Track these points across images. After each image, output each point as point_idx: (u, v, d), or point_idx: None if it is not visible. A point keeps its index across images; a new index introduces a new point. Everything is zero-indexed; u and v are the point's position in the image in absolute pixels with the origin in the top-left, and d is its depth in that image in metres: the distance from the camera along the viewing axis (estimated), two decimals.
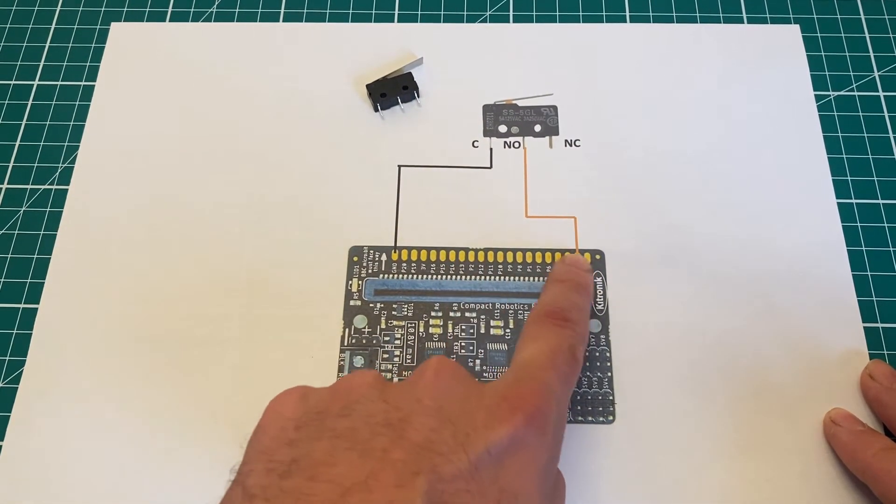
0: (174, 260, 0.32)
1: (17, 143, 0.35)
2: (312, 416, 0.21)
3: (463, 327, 0.31)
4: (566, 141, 0.34)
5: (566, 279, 0.28)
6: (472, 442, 0.20)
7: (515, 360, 0.24)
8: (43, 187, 0.34)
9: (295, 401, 0.22)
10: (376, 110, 0.35)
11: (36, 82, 0.37)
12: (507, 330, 0.30)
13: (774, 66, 0.36)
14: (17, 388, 0.30)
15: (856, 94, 0.36)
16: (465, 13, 0.38)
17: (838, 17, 0.38)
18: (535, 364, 0.23)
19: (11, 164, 0.35)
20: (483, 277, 0.31)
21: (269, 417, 0.22)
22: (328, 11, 0.38)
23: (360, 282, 0.31)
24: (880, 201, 0.33)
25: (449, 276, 0.31)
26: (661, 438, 0.28)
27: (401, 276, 0.31)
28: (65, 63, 0.37)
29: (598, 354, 0.30)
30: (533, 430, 0.21)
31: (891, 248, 0.32)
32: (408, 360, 0.30)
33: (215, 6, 0.38)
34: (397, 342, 0.30)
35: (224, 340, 0.30)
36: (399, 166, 0.34)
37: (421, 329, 0.30)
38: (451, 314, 0.31)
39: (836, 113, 0.35)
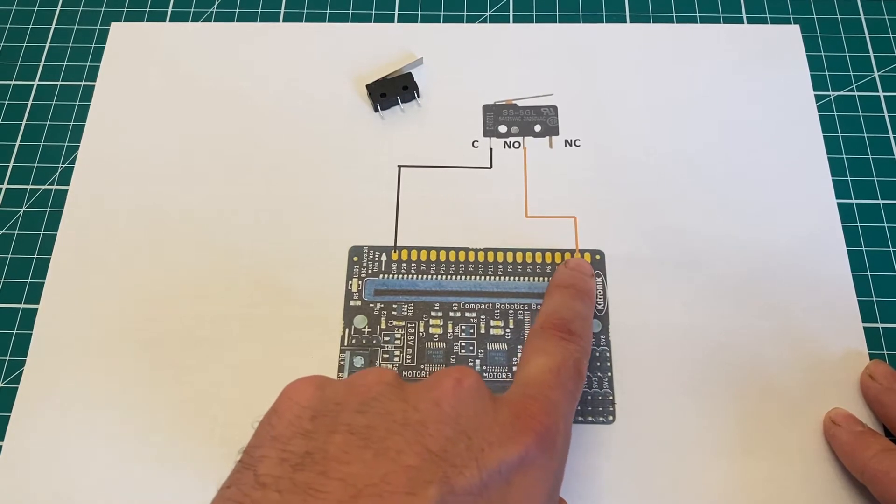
0: (174, 260, 0.32)
1: (17, 143, 0.35)
2: (330, 407, 0.21)
3: (463, 327, 0.31)
4: (566, 141, 0.34)
5: (569, 285, 0.28)
6: (486, 458, 0.20)
7: (521, 374, 0.24)
8: (43, 187, 0.34)
9: (312, 389, 0.22)
10: (376, 110, 0.35)
11: (36, 82, 0.37)
12: (507, 330, 0.30)
13: (774, 66, 0.36)
14: (17, 388, 0.30)
15: (856, 94, 0.36)
16: (465, 13, 0.38)
17: (838, 17, 0.38)
18: (542, 381, 0.23)
19: (11, 164, 0.35)
20: (483, 277, 0.31)
21: (285, 403, 0.21)
22: (328, 11, 0.38)
23: (360, 282, 0.31)
24: (880, 201, 0.33)
25: (449, 276, 0.31)
26: (661, 438, 0.28)
27: (401, 276, 0.31)
28: (65, 63, 0.37)
29: (598, 354, 0.30)
30: (542, 451, 0.21)
31: (891, 249, 0.32)
32: (408, 360, 0.30)
33: (215, 6, 0.38)
34: (397, 342, 0.30)
35: (224, 340, 0.30)
36: (399, 166, 0.34)
37: (421, 329, 0.30)
38: (451, 314, 0.31)
39: (836, 113, 0.35)
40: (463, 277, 0.31)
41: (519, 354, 0.30)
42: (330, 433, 0.20)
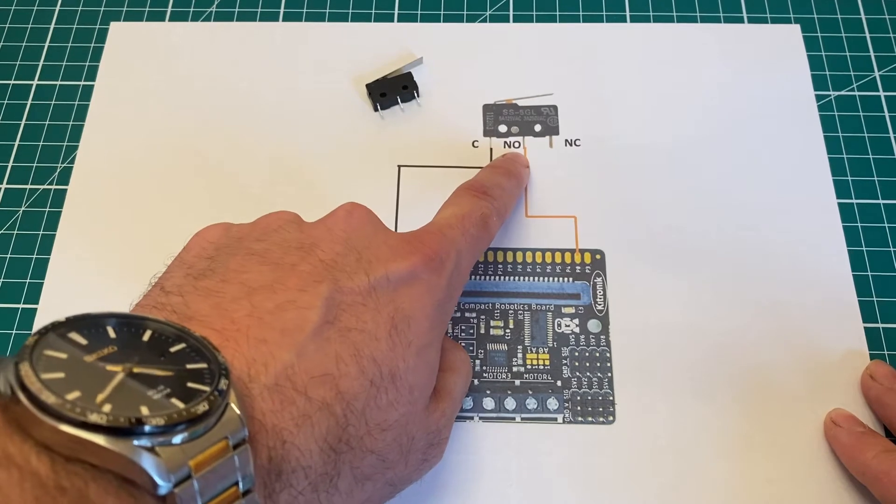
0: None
1: (17, 142, 0.35)
2: (232, 241, 0.23)
3: (463, 327, 0.30)
4: (566, 141, 0.34)
5: (498, 165, 0.31)
6: (374, 268, 0.22)
7: (428, 223, 0.26)
8: (42, 187, 0.34)
9: (219, 230, 0.24)
10: (376, 110, 0.35)
11: (35, 82, 0.37)
12: (507, 330, 0.30)
13: (775, 66, 0.36)
14: None
15: (856, 93, 0.35)
16: (465, 13, 0.38)
17: (839, 16, 0.37)
18: (444, 223, 0.26)
19: (10, 164, 0.34)
20: (483, 277, 0.31)
21: (194, 241, 0.23)
22: (328, 11, 0.38)
23: None
24: (881, 201, 0.33)
25: None
26: (661, 438, 0.28)
27: None
28: (64, 63, 0.37)
29: (598, 354, 0.30)
30: (429, 270, 0.23)
31: (891, 248, 0.32)
32: None
33: (215, 6, 0.38)
34: None
35: None
36: (399, 166, 0.34)
37: None
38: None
39: (836, 113, 0.35)
40: None
41: (519, 354, 0.30)
42: (231, 256, 0.22)
